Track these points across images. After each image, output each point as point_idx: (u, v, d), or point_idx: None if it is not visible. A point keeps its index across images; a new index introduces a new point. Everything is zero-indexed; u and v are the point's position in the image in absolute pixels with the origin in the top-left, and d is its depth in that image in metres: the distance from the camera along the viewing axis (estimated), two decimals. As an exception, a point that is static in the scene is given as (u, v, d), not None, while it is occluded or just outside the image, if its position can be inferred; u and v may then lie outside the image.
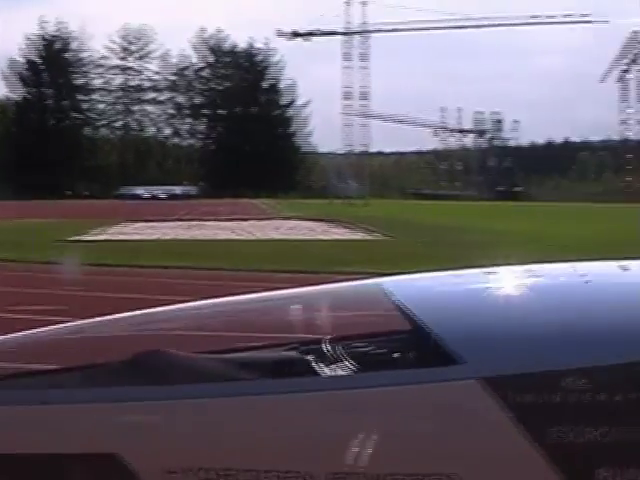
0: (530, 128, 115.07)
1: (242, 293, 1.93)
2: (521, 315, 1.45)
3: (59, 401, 1.30)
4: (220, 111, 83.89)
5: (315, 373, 1.46)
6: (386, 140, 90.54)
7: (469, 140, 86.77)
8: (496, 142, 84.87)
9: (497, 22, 73.94)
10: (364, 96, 71.79)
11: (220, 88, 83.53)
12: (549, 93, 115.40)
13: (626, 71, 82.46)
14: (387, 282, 1.68)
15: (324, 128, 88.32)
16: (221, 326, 1.90)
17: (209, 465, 1.19)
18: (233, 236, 22.97)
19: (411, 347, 1.47)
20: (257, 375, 1.45)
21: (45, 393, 1.35)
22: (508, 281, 1.77)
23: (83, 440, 1.24)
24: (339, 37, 72.34)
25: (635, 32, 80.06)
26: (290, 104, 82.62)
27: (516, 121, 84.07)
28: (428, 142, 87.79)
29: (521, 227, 22.79)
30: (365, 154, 73.86)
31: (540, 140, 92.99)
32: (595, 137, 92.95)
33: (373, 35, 71.91)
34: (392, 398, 1.22)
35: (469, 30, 74.41)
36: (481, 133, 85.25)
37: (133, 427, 1.25)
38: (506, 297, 1.64)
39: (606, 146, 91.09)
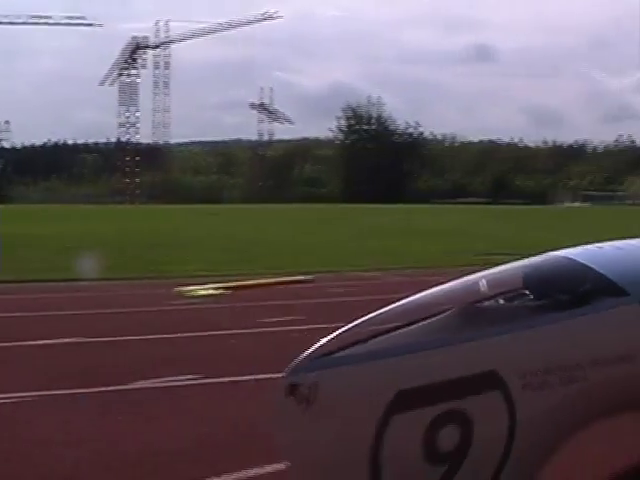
0: (25, 130, 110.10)
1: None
2: None
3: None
4: None
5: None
6: None
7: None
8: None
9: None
10: None
11: None
12: (47, 95, 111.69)
13: (124, 75, 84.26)
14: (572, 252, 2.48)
15: None
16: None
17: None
18: None
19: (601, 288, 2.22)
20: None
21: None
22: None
23: (474, 364, 1.93)
24: None
25: (134, 37, 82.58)
26: None
27: (7, 122, 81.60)
28: None
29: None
30: None
31: (37, 142, 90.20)
32: (94, 139, 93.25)
33: None
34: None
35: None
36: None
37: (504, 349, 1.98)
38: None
39: (104, 148, 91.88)
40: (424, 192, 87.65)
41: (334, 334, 2.07)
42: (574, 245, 2.55)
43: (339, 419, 1.92)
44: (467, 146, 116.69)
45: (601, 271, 2.27)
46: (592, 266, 2.30)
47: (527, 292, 2.30)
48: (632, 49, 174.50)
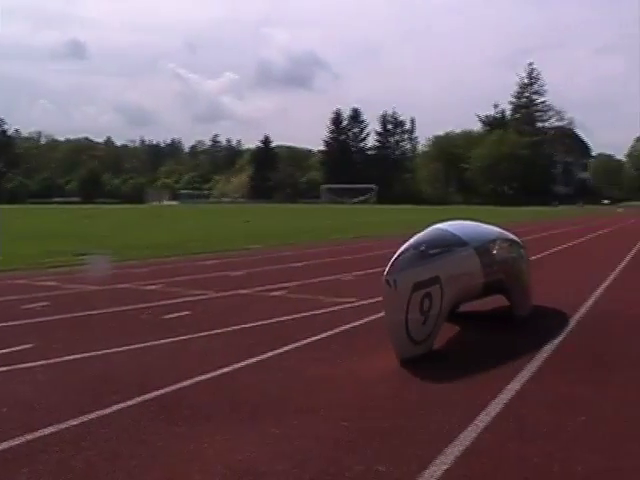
0: None
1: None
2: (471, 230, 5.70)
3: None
4: None
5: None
6: None
7: None
8: None
9: None
10: None
11: None
12: None
13: None
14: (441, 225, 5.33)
15: None
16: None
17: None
18: None
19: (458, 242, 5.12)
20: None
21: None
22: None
23: (432, 272, 4.58)
24: None
25: None
26: None
27: None
28: None
29: None
30: None
31: None
32: None
33: None
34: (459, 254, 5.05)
35: None
36: None
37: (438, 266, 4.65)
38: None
39: None
40: (15, 192, 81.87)
41: (392, 260, 4.43)
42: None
43: (401, 293, 4.31)
44: (59, 145, 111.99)
45: (456, 233, 5.26)
46: (452, 231, 5.28)
47: (432, 245, 4.80)
48: (222, 52, 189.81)
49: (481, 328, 5.66)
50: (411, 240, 4.68)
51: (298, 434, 3.08)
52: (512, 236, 6.38)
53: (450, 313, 5.10)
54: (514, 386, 3.80)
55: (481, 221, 6.46)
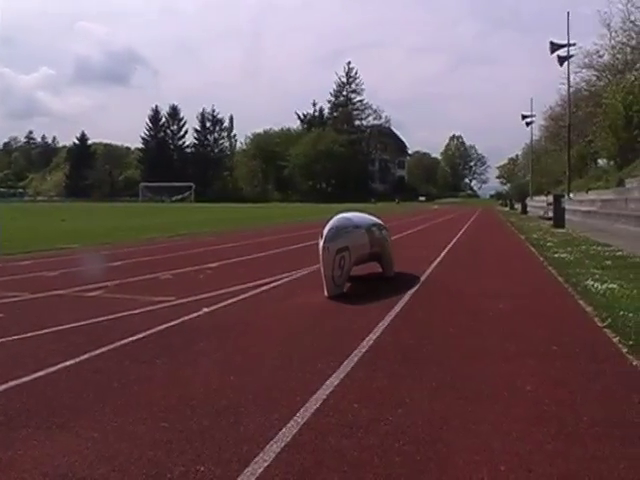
0: None
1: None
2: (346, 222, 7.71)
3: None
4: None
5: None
6: None
7: None
8: None
9: None
10: None
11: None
12: None
13: None
14: (345, 215, 7.89)
15: None
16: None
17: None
18: None
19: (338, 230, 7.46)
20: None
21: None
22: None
23: (344, 244, 7.32)
24: None
25: None
26: None
27: None
28: None
29: None
30: None
31: None
32: None
33: None
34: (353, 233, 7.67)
35: None
36: None
37: (347, 239, 7.45)
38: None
39: None
40: None
41: (325, 230, 7.19)
42: None
43: (330, 254, 7.01)
44: None
45: (354, 220, 7.92)
46: (351, 218, 7.88)
47: (343, 226, 7.47)
48: (37, 46, 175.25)
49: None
50: (331, 223, 7.35)
51: (117, 437, 3.09)
52: (382, 222, 9.03)
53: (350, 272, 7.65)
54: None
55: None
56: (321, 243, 7.07)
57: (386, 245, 8.80)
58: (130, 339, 5.08)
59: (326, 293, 7.00)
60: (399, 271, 9.07)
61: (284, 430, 3.14)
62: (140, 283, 8.49)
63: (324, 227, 7.31)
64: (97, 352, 4.67)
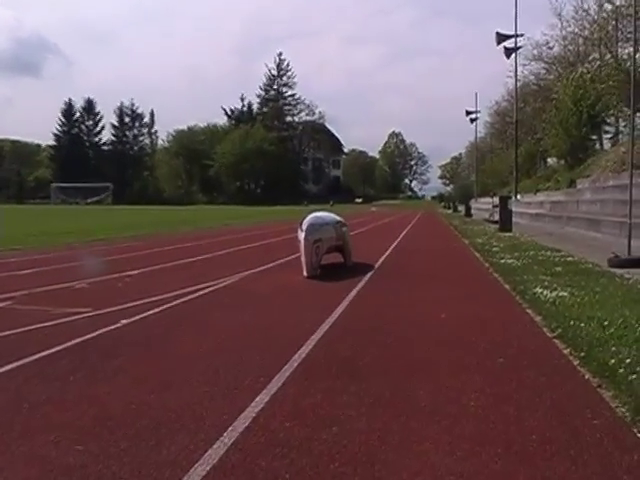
0: None
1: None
2: (319, 220, 10.36)
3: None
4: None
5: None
6: None
7: None
8: None
9: None
10: None
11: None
12: None
13: None
14: (317, 214, 10.67)
15: None
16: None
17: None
18: None
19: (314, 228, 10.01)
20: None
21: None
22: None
23: (318, 236, 9.86)
24: None
25: None
26: None
27: None
28: None
29: None
30: None
31: None
32: None
33: None
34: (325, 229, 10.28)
35: None
36: None
37: (321, 233, 9.97)
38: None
39: None
40: None
41: (305, 225, 9.86)
42: None
43: (310, 244, 9.59)
44: None
45: (324, 218, 10.50)
46: (322, 216, 10.48)
47: (317, 223, 10.09)
48: None
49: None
50: (309, 220, 9.89)
51: (26, 462, 2.88)
52: (343, 220, 11.10)
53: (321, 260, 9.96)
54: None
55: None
56: (302, 235, 9.60)
57: (348, 239, 11.05)
58: (41, 354, 4.77)
59: (305, 274, 9.45)
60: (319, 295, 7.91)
61: (210, 452, 2.97)
62: (53, 293, 8.06)
63: (302, 223, 9.90)
64: (3, 369, 4.36)
